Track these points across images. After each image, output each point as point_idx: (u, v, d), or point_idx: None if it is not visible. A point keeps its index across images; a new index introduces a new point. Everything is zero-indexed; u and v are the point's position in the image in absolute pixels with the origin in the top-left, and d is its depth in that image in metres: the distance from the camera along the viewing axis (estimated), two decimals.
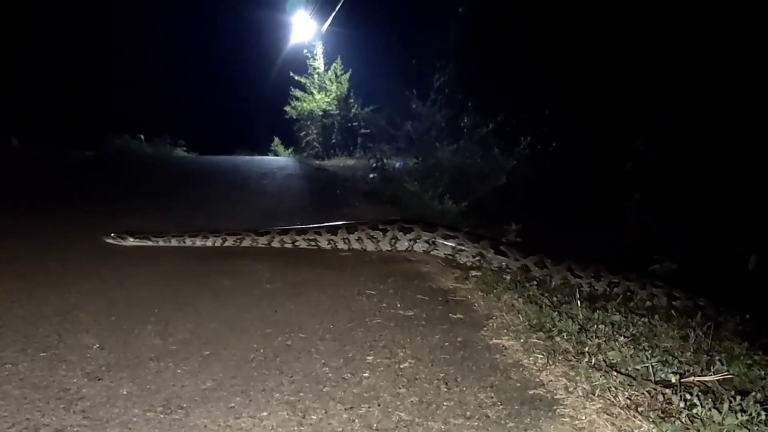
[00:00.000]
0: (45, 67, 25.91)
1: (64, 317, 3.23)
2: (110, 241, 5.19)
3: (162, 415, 2.15)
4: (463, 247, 5.22)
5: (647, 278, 5.30)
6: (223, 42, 36.16)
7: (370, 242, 5.44)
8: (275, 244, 5.46)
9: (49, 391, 2.32)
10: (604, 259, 6.04)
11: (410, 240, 5.39)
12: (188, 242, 5.33)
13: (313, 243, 5.47)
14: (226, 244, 5.39)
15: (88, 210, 7.53)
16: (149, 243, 5.24)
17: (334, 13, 23.17)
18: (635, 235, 8.27)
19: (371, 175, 13.18)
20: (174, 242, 5.31)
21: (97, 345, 2.82)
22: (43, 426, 2.04)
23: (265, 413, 2.19)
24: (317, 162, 21.50)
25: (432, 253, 5.33)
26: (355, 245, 5.45)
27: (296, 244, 5.47)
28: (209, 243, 5.37)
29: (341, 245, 5.46)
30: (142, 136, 24.00)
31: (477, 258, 5.11)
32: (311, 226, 5.62)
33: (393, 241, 5.42)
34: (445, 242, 5.31)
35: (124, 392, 2.32)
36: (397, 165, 13.76)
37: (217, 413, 2.18)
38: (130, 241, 5.20)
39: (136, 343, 2.87)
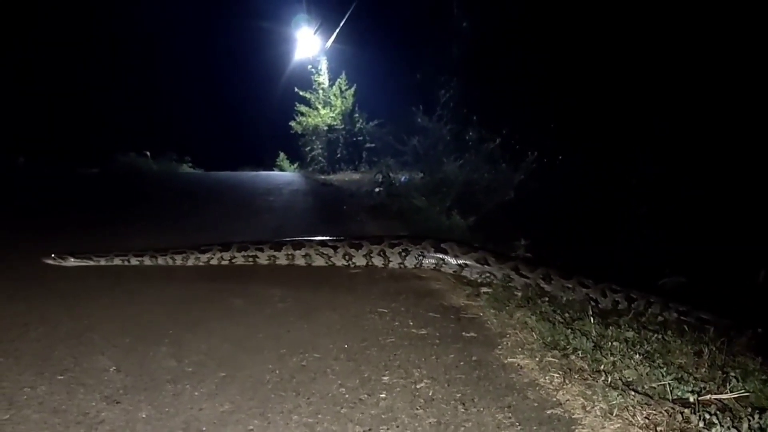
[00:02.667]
0: (51, 86, 26.10)
1: (78, 339, 3.24)
2: (50, 262, 5.02)
3: None
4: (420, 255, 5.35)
5: (657, 295, 5.30)
6: (228, 58, 36.48)
7: (320, 258, 5.44)
8: (214, 261, 5.38)
9: (69, 415, 2.33)
10: (612, 273, 6.03)
11: (364, 255, 5.42)
12: (134, 261, 5.22)
13: (251, 260, 5.43)
14: (177, 263, 5.30)
15: (88, 227, 7.55)
16: (90, 263, 5.11)
17: (338, 29, 23.35)
18: (642, 248, 8.26)
19: (376, 190, 13.22)
20: (117, 261, 5.18)
21: (114, 367, 2.83)
22: None
23: None
24: (322, 177, 21.59)
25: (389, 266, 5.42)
26: (300, 261, 5.44)
27: (233, 261, 5.40)
28: (161, 262, 5.26)
29: (283, 261, 5.45)
30: (148, 153, 24.15)
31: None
32: (252, 241, 5.59)
33: (347, 257, 5.43)
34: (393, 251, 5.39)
35: (143, 416, 2.33)
36: (403, 179, 13.79)
37: None
38: (71, 262, 5.06)
39: (151, 366, 2.88)
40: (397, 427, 2.29)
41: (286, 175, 24.69)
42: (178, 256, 5.31)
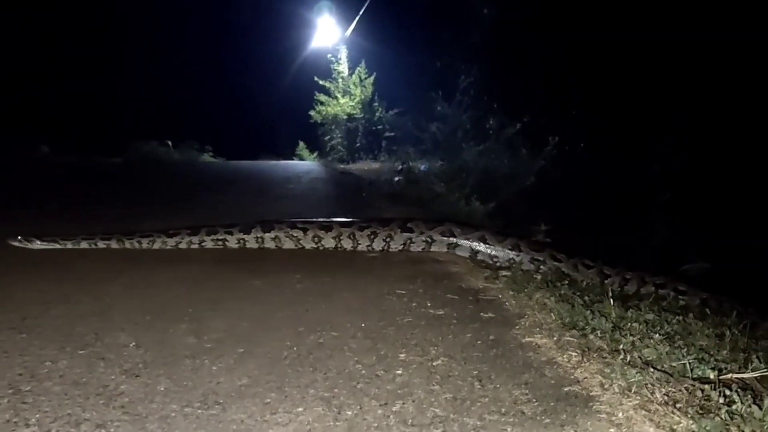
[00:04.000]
0: (74, 76, 26.38)
1: (99, 317, 3.28)
2: (16, 244, 5.01)
3: (200, 411, 2.17)
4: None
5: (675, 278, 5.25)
6: (248, 48, 36.52)
7: (289, 241, 5.43)
8: (183, 245, 5.34)
9: (89, 387, 2.36)
10: (634, 259, 5.98)
11: (334, 237, 5.41)
12: (101, 245, 5.18)
13: (220, 243, 5.41)
14: (143, 246, 5.27)
15: (108, 215, 7.62)
16: (57, 246, 5.10)
17: (358, 17, 23.28)
18: (664, 235, 8.17)
19: (396, 178, 13.20)
20: (84, 244, 5.15)
21: (134, 343, 2.86)
22: (84, 421, 2.08)
23: (300, 409, 2.21)
24: (342, 166, 21.60)
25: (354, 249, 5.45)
26: (269, 244, 5.43)
27: (203, 244, 5.38)
28: (128, 245, 5.23)
29: (252, 244, 5.43)
30: (170, 143, 24.31)
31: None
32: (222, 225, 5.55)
33: (316, 239, 5.42)
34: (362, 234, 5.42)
35: (162, 388, 2.36)
36: (422, 167, 13.76)
37: (254, 409, 2.20)
38: (38, 244, 5.05)
39: (170, 342, 2.91)
40: (413, 401, 2.29)
41: (305, 164, 24.75)
42: (145, 239, 5.28)
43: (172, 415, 2.14)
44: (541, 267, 4.97)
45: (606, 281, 4.91)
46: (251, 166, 21.08)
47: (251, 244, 5.41)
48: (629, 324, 3.26)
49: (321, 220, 5.71)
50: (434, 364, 2.68)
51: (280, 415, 2.15)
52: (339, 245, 5.41)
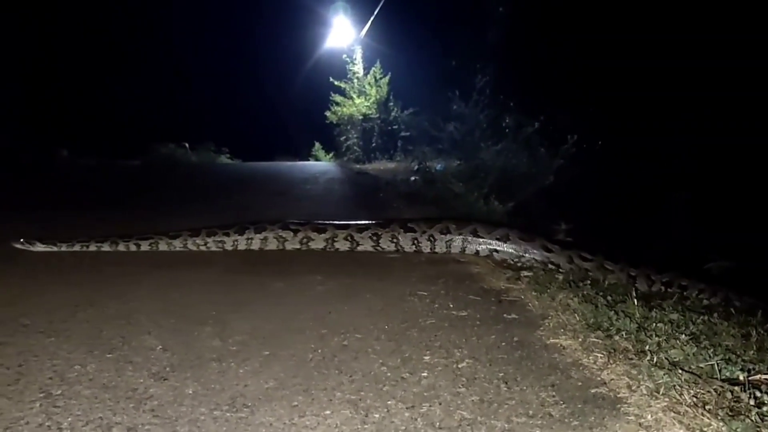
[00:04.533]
0: (92, 79, 26.63)
1: (125, 320, 3.32)
2: (18, 246, 5.09)
3: (228, 414, 2.19)
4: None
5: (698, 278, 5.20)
6: (263, 49, 36.69)
7: (275, 241, 5.45)
8: (191, 246, 5.38)
9: (118, 391, 2.38)
10: (655, 257, 5.92)
11: (326, 240, 5.44)
12: (93, 247, 5.23)
13: (220, 245, 5.43)
14: (142, 249, 5.30)
15: (129, 217, 7.70)
16: (54, 249, 5.15)
17: (372, 17, 23.28)
18: (683, 234, 8.09)
19: (412, 178, 13.18)
20: (77, 247, 5.21)
21: (160, 346, 2.89)
22: (115, 424, 2.10)
23: (328, 412, 2.22)
24: (357, 166, 21.62)
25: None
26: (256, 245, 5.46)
27: (208, 246, 5.40)
28: (122, 248, 5.27)
29: (242, 246, 5.45)
30: (187, 145, 24.47)
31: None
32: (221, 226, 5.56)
33: (305, 240, 5.45)
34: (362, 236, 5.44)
35: (190, 392, 2.38)
36: (438, 167, 13.74)
37: (282, 412, 2.22)
38: (39, 247, 5.12)
39: (196, 345, 2.93)
40: (440, 404, 2.29)
41: (321, 165, 24.81)
42: (144, 242, 5.32)
43: (201, 418, 2.16)
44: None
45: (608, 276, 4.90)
46: (268, 167, 21.16)
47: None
48: (654, 324, 3.23)
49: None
50: (459, 366, 2.67)
51: (308, 418, 2.16)
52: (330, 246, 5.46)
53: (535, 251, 5.16)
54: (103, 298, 3.75)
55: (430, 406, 2.27)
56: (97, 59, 27.70)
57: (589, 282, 4.17)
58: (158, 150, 23.47)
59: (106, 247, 5.25)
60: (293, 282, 4.28)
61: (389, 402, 2.30)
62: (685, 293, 4.64)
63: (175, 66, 33.96)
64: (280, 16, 34.92)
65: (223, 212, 7.85)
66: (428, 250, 5.34)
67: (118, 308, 3.54)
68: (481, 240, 5.27)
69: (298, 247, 5.44)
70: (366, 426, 2.11)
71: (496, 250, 5.24)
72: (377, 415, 2.19)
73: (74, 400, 2.29)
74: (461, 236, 5.30)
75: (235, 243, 5.42)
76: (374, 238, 5.38)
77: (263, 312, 3.53)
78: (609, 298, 3.80)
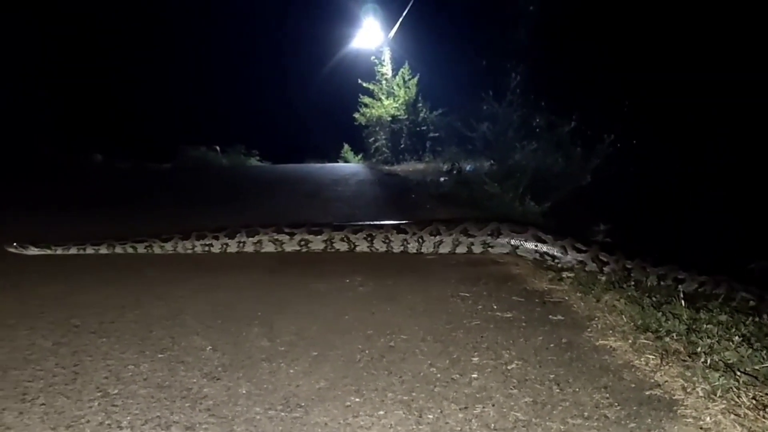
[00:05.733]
0: (125, 85, 27.07)
1: (173, 321, 3.37)
2: (12, 250, 5.09)
3: (283, 413, 2.21)
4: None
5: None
6: (291, 52, 36.94)
7: (272, 245, 5.45)
8: (179, 249, 5.38)
9: (173, 390, 2.42)
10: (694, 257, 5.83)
11: (324, 241, 5.45)
12: (89, 250, 5.23)
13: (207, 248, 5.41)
14: (139, 251, 5.31)
15: (171, 219, 7.80)
16: (49, 252, 5.16)
17: (401, 19, 23.29)
18: (723, 233, 7.94)
19: (442, 179, 13.17)
20: (73, 250, 5.20)
21: (210, 347, 2.93)
22: (173, 423, 2.14)
23: (381, 412, 2.22)
24: (387, 167, 21.66)
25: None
26: (249, 248, 5.45)
27: (195, 249, 5.40)
28: (119, 250, 5.28)
29: (233, 249, 5.44)
30: (218, 147, 24.76)
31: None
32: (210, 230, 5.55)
33: (303, 242, 5.45)
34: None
35: (244, 391, 2.40)
36: (468, 168, 13.70)
37: (335, 412, 2.23)
38: (33, 251, 5.12)
39: (245, 345, 2.96)
40: (493, 405, 2.28)
41: (351, 166, 24.90)
42: (139, 244, 5.33)
43: (257, 417, 2.18)
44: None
45: (605, 269, 4.86)
46: (298, 169, 21.32)
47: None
48: (703, 326, 3.18)
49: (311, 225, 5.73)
50: (509, 367, 2.66)
51: (362, 419, 2.17)
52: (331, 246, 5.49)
53: (528, 243, 5.19)
54: (149, 299, 3.81)
55: (484, 407, 2.26)
56: (130, 65, 28.17)
57: (632, 283, 4.12)
58: (190, 153, 23.82)
59: (103, 250, 5.26)
60: (334, 283, 4.30)
61: (442, 403, 2.30)
62: (680, 287, 4.53)
63: (206, 70, 34.38)
64: (309, 18, 35.11)
65: (258, 214, 7.92)
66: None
67: (164, 309, 3.59)
68: (476, 236, 5.32)
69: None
70: (421, 427, 2.11)
71: (490, 245, 5.30)
72: (431, 416, 2.19)
73: (131, 399, 2.33)
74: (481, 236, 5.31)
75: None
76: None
77: (307, 313, 3.55)
78: (654, 299, 3.75)
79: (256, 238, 5.45)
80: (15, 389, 2.41)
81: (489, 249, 5.26)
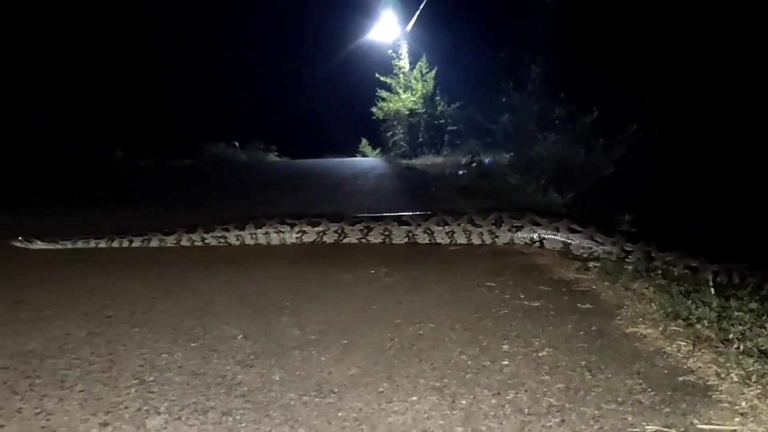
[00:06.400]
0: (145, 83, 27.29)
1: (203, 311, 3.41)
2: (17, 244, 5.12)
3: (317, 399, 2.23)
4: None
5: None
6: (307, 47, 36.98)
7: (276, 236, 5.47)
8: (184, 242, 5.42)
9: (208, 377, 2.45)
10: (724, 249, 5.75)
11: (318, 233, 5.48)
12: (92, 244, 5.28)
13: (222, 240, 5.46)
14: (134, 245, 5.35)
15: (199, 214, 7.87)
16: (57, 246, 5.21)
17: (418, 12, 23.21)
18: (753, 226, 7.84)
19: (461, 172, 13.13)
20: (80, 244, 5.26)
21: (241, 335, 2.96)
22: (210, 409, 2.17)
23: (414, 398, 2.24)
24: (405, 161, 21.63)
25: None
26: (262, 239, 5.48)
27: (206, 241, 5.44)
28: (115, 244, 5.33)
29: (249, 240, 5.48)
30: (237, 144, 24.89)
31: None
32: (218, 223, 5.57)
33: (300, 234, 5.47)
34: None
35: (277, 378, 2.43)
36: (487, 161, 13.66)
37: (369, 397, 2.25)
38: (38, 245, 5.16)
39: (276, 334, 3.00)
40: (526, 391, 2.28)
41: (369, 161, 24.93)
42: (137, 238, 5.38)
43: (291, 403, 2.21)
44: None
45: (601, 248, 4.88)
46: (317, 164, 21.40)
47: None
48: (734, 313, 3.16)
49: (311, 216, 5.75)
50: (540, 354, 2.66)
51: (395, 404, 2.19)
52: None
53: (524, 234, 5.21)
54: (179, 290, 3.86)
55: (516, 393, 2.27)
56: (150, 64, 28.40)
57: (660, 271, 4.10)
58: (209, 150, 23.98)
59: (103, 244, 5.32)
60: (359, 274, 4.33)
61: (474, 389, 2.31)
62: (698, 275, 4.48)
63: (224, 67, 34.56)
64: (328, 13, 35.10)
65: (286, 209, 7.96)
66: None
67: (194, 300, 3.64)
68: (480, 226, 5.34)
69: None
70: (454, 412, 2.12)
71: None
72: (464, 402, 2.20)
73: (167, 386, 2.37)
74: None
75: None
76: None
77: (335, 303, 3.58)
78: (683, 287, 3.73)
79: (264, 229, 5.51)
80: (53, 377, 2.46)
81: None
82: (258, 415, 2.11)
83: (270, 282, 4.10)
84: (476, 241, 5.33)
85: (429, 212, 5.68)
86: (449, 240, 5.35)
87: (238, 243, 5.47)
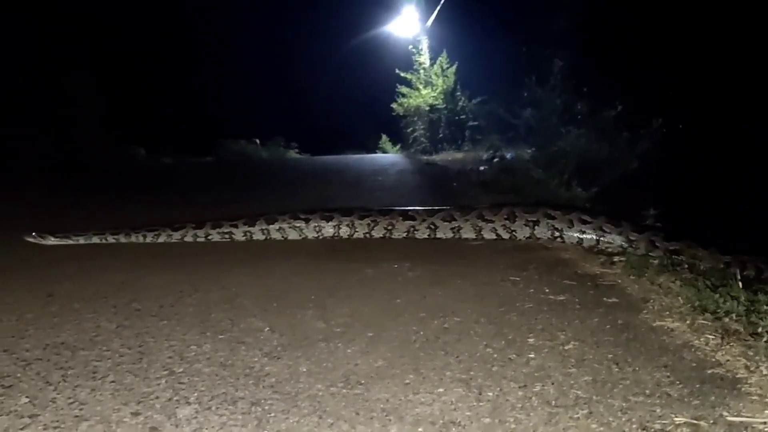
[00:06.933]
0: (166, 81, 27.53)
1: (230, 304, 3.45)
2: (30, 240, 5.19)
3: (345, 390, 2.25)
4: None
5: None
6: (326, 43, 37.02)
7: (293, 231, 5.49)
8: (188, 238, 5.46)
9: (236, 368, 2.49)
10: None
11: (334, 226, 5.49)
12: (110, 239, 5.35)
13: (227, 236, 5.50)
14: (147, 240, 5.41)
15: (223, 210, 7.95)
16: (70, 241, 5.27)
17: (438, 7, 23.12)
18: None
19: (482, 167, 13.08)
20: (95, 239, 5.33)
21: (267, 328, 3.00)
22: (239, 399, 2.20)
23: (441, 390, 2.25)
24: (425, 157, 21.56)
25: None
26: (275, 235, 5.52)
27: (209, 237, 5.48)
28: (134, 239, 5.39)
29: (258, 236, 5.51)
30: (258, 141, 25.01)
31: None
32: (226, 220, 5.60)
33: (317, 228, 5.49)
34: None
35: (304, 369, 2.46)
36: (509, 156, 13.58)
37: (395, 389, 2.26)
38: (51, 240, 5.22)
39: (301, 326, 3.02)
40: (553, 384, 2.28)
41: (389, 157, 24.91)
42: (150, 233, 5.43)
43: (319, 394, 2.23)
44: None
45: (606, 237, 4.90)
46: (337, 160, 21.42)
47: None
48: (763, 307, 3.12)
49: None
50: (566, 348, 2.66)
51: (422, 396, 2.20)
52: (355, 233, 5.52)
53: (541, 228, 5.20)
54: (205, 284, 3.91)
55: (543, 385, 2.27)
56: (170, 61, 28.67)
57: (687, 265, 4.06)
58: (230, 146, 24.13)
59: (123, 239, 5.39)
60: (381, 268, 4.34)
61: (501, 381, 2.31)
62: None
63: (244, 65, 34.76)
64: (348, 8, 35.15)
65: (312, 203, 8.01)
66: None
67: (220, 294, 3.68)
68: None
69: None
70: (481, 404, 2.13)
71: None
72: (491, 394, 2.21)
73: (197, 377, 2.40)
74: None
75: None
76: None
77: (359, 296, 3.59)
78: (709, 281, 3.69)
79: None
80: (85, 368, 2.51)
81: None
82: (286, 406, 2.14)
83: (293, 277, 4.14)
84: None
85: (449, 206, 5.70)
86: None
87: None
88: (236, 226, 5.51)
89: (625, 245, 4.75)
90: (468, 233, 5.34)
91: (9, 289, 3.78)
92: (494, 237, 5.30)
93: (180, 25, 29.59)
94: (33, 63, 17.55)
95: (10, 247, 5.13)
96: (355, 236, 5.51)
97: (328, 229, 5.51)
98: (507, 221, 5.27)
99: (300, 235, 5.51)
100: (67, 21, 19.43)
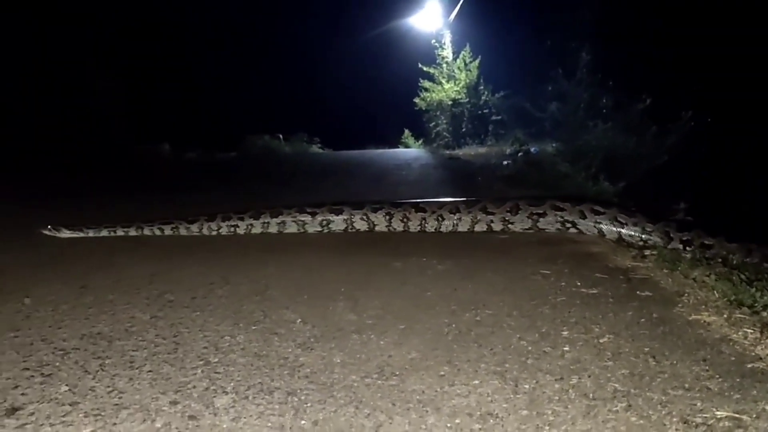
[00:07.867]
0: (191, 77, 27.74)
1: (261, 296, 3.47)
2: (46, 232, 5.27)
3: (379, 381, 2.26)
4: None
5: None
6: (348, 38, 37.02)
7: (294, 225, 5.53)
8: (204, 231, 5.52)
9: (270, 359, 2.51)
10: None
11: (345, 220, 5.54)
12: (120, 232, 5.42)
13: (232, 230, 5.53)
14: (166, 233, 5.47)
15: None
16: (82, 234, 5.34)
17: (461, 1, 22.98)
18: None
19: (505, 162, 12.98)
20: (105, 232, 5.40)
21: (300, 320, 3.01)
22: (275, 389, 2.21)
23: (476, 381, 2.24)
24: (448, 152, 21.45)
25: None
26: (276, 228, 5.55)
27: (220, 231, 5.52)
28: (147, 232, 5.47)
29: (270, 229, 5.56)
30: (281, 136, 25.09)
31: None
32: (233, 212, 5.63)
33: (324, 222, 5.52)
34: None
35: (338, 360, 2.47)
36: (533, 150, 13.47)
37: (430, 380, 2.26)
38: (66, 233, 5.30)
39: (333, 318, 3.04)
40: (589, 377, 2.26)
41: (412, 152, 24.83)
42: (167, 226, 5.50)
43: (354, 384, 2.24)
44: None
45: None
46: (360, 155, 21.42)
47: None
48: None
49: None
50: (601, 341, 2.63)
51: (458, 387, 2.20)
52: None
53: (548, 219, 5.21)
54: (235, 277, 3.93)
55: (580, 378, 2.25)
56: (195, 57, 28.91)
57: (720, 259, 4.00)
58: (254, 142, 24.22)
59: (133, 232, 5.47)
60: (410, 262, 4.33)
61: (537, 374, 2.30)
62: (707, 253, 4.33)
63: (268, 61, 34.90)
64: (368, 4, 35.12)
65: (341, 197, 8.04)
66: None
67: (251, 286, 3.71)
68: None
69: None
70: (518, 396, 2.12)
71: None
72: (527, 386, 2.20)
73: (232, 367, 2.42)
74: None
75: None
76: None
77: (389, 289, 3.59)
78: (744, 275, 3.63)
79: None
80: (122, 357, 2.55)
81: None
82: (322, 396, 2.15)
83: (322, 269, 4.15)
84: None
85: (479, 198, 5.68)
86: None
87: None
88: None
89: (645, 237, 4.71)
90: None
91: (43, 282, 3.84)
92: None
93: (206, 23, 29.81)
94: (56, 59, 17.79)
95: (34, 241, 5.19)
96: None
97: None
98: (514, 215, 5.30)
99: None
100: (94, 17, 19.68)
